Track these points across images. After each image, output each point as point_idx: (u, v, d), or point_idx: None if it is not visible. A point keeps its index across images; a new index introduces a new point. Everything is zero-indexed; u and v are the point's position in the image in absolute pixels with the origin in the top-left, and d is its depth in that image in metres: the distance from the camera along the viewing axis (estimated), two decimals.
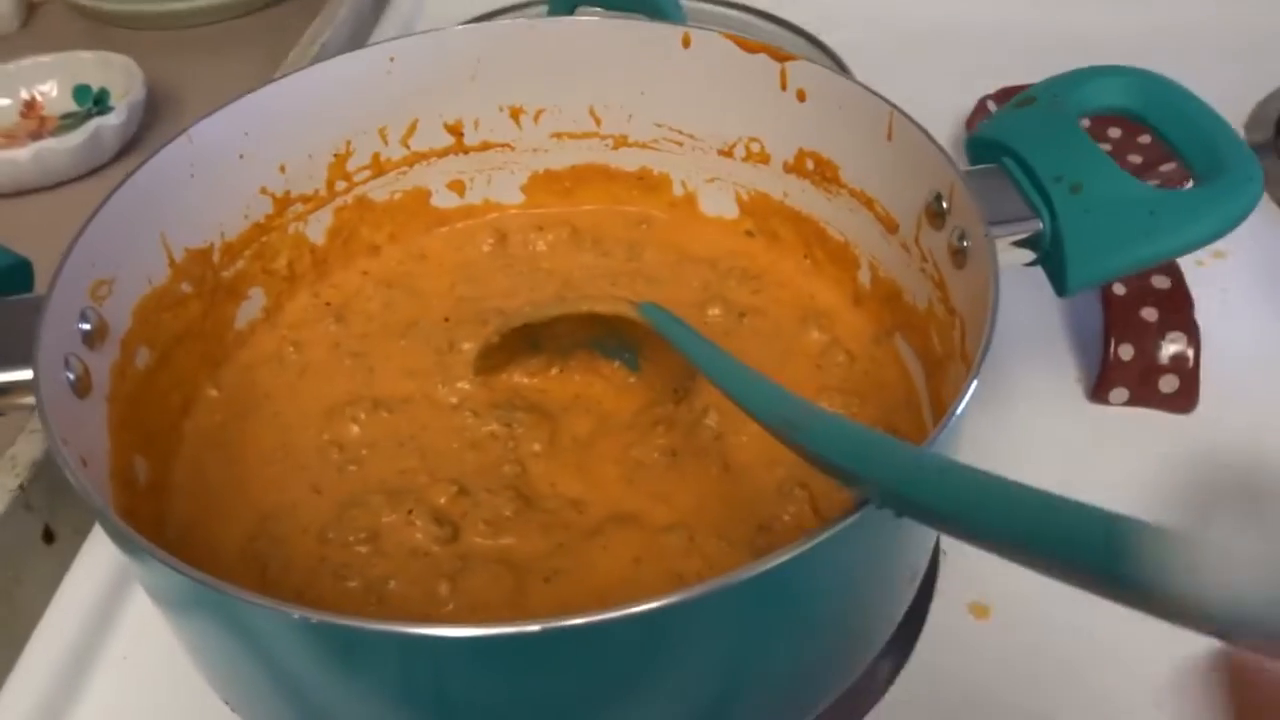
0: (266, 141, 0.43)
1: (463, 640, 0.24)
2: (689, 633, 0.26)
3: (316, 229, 0.47)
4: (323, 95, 0.44)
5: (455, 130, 0.48)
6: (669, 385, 0.40)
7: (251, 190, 0.44)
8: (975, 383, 0.29)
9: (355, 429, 0.40)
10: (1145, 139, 0.59)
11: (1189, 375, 0.47)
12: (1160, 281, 0.48)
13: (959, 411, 0.28)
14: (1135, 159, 0.58)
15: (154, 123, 0.71)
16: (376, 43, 0.45)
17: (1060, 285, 0.35)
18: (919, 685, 0.39)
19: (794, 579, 0.26)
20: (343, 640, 0.25)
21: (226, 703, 0.33)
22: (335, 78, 0.44)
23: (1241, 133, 0.64)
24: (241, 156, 0.42)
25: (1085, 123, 0.60)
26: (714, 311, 0.45)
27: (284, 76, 0.43)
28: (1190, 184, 0.57)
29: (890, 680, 0.39)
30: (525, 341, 0.40)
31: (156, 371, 0.40)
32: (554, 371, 0.41)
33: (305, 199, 0.46)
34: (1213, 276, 0.54)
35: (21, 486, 0.42)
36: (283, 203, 0.45)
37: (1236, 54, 0.69)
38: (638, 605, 0.24)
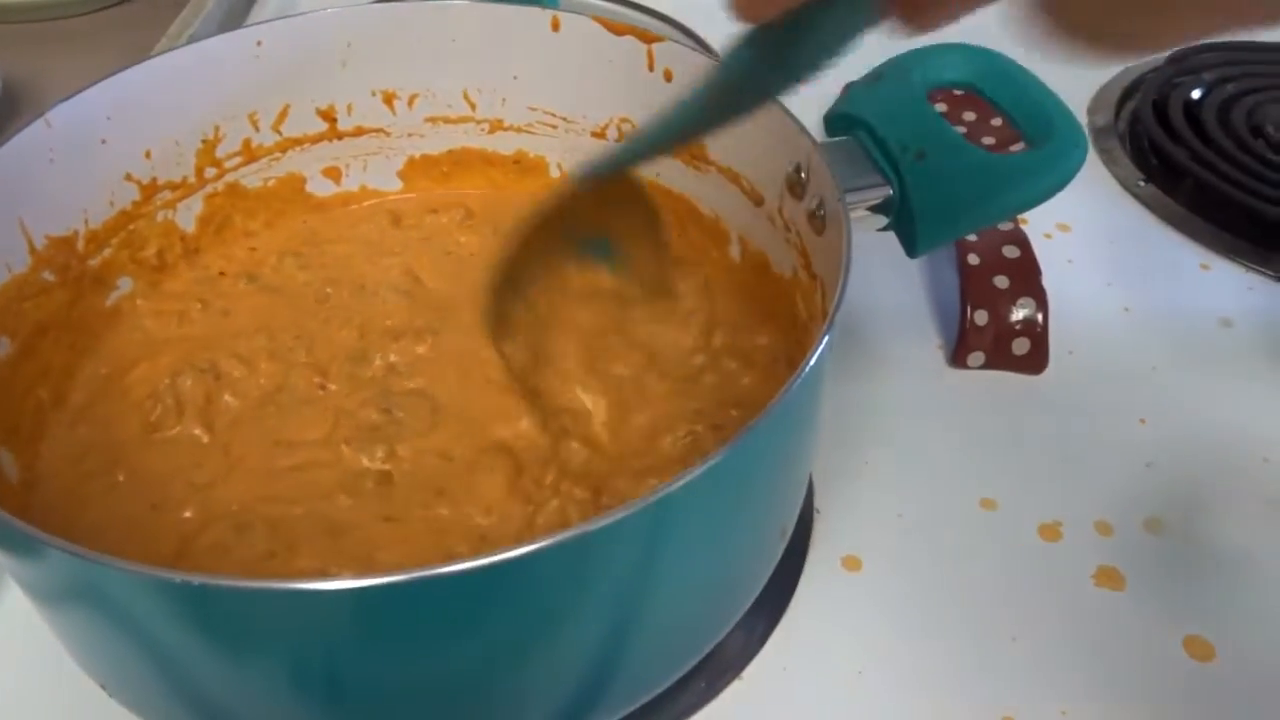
0: (130, 126, 0.42)
1: (348, 591, 0.24)
2: (548, 581, 0.27)
3: (187, 216, 0.46)
4: (188, 79, 0.43)
5: (328, 115, 0.48)
6: (651, 277, 0.39)
7: (116, 176, 0.43)
8: (829, 334, 0.30)
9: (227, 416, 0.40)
10: (997, 121, 0.63)
11: (1039, 338, 0.50)
12: (1011, 251, 0.51)
13: (813, 362, 0.30)
14: (989, 140, 0.62)
15: (10, 119, 0.68)
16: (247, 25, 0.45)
17: (910, 246, 0.38)
18: (796, 636, 0.40)
19: (655, 526, 0.27)
20: (230, 602, 0.25)
21: (103, 687, 0.32)
22: (201, 61, 0.44)
23: (1084, 116, 0.68)
24: (104, 141, 0.42)
25: (943, 107, 0.64)
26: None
27: (149, 59, 0.42)
28: None
29: (769, 633, 0.41)
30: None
31: (19, 363, 0.39)
32: None
33: (173, 186, 0.45)
34: (1059, 247, 0.58)
35: None
36: (150, 189, 0.44)
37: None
38: (491, 555, 0.24)
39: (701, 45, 0.64)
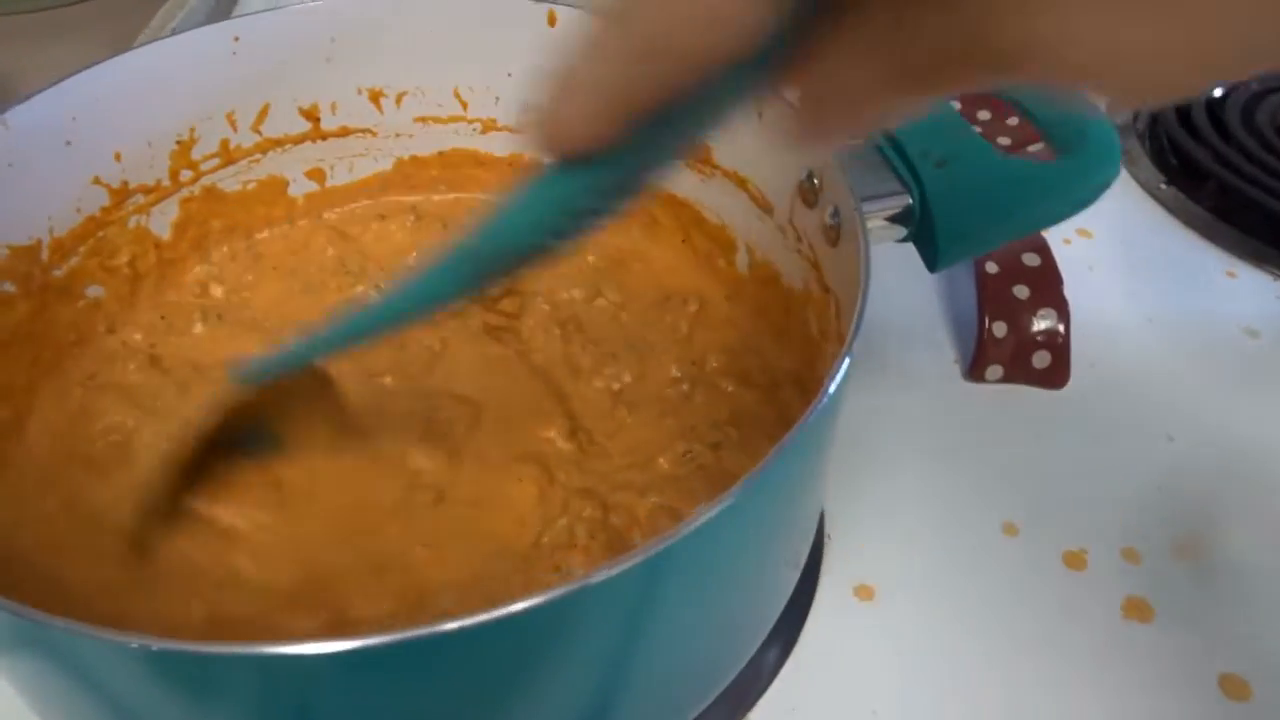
0: (98, 127, 0.40)
1: (311, 657, 0.22)
2: (564, 630, 0.25)
3: (161, 222, 0.44)
4: (161, 77, 0.41)
5: (311, 115, 0.45)
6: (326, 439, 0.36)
7: (83, 180, 0.40)
8: (848, 359, 0.28)
9: None
10: (1014, 121, 0.60)
11: (1060, 350, 0.47)
12: (1031, 259, 0.49)
13: (832, 390, 0.27)
14: (1005, 140, 0.59)
15: None
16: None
17: (931, 260, 0.35)
18: (807, 670, 0.38)
19: (671, 569, 0.25)
20: (191, 667, 0.23)
21: None
22: (174, 58, 0.41)
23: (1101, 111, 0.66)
24: (69, 143, 0.39)
25: (956, 105, 0.61)
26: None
27: (116, 56, 0.40)
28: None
29: (778, 667, 0.38)
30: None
31: None
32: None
33: (146, 190, 0.42)
34: (1079, 254, 0.55)
35: None
36: (120, 194, 0.42)
37: None
38: (509, 606, 0.22)
39: None
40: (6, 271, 0.37)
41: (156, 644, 0.22)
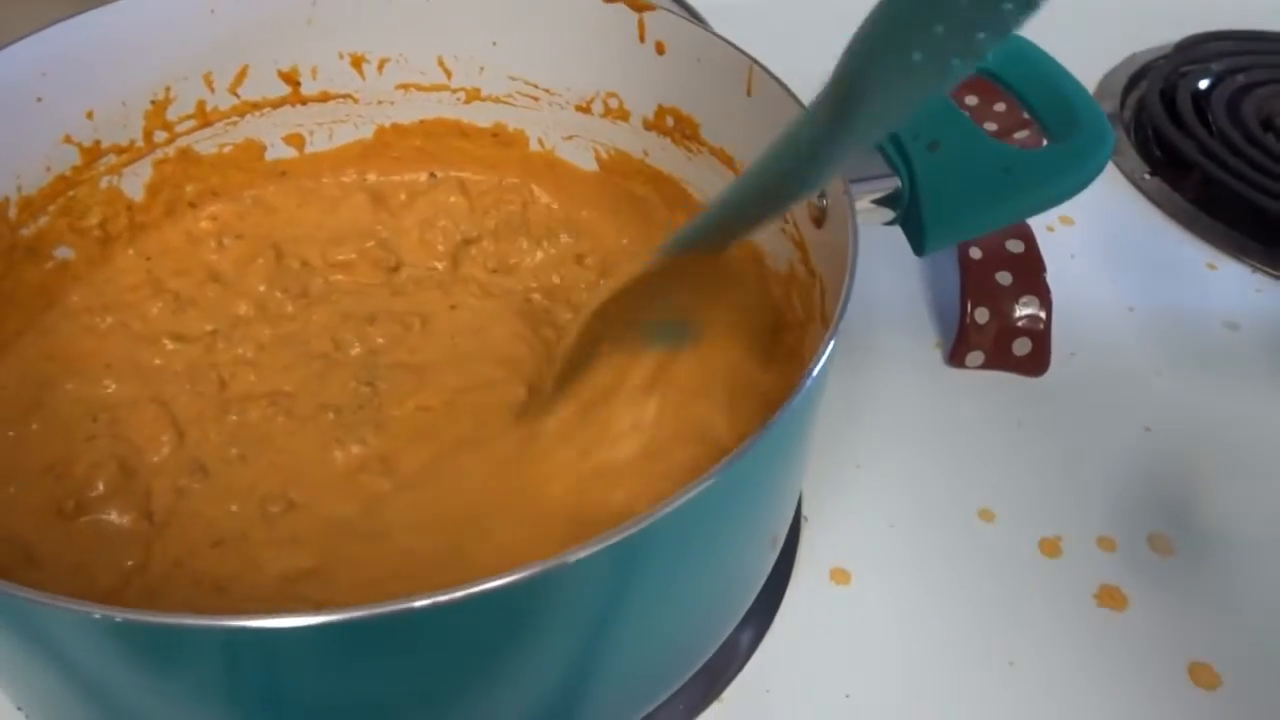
0: (70, 84, 0.38)
1: (291, 630, 0.22)
2: (540, 609, 0.24)
3: (134, 184, 0.42)
4: (136, 34, 0.40)
5: (291, 78, 0.44)
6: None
7: (53, 138, 0.39)
8: (833, 341, 0.28)
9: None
10: (1001, 106, 0.60)
11: (1041, 337, 0.47)
12: (1014, 246, 0.49)
13: (816, 371, 0.27)
14: (991, 126, 0.59)
15: None
16: None
17: (918, 244, 0.35)
18: (781, 652, 0.38)
19: (651, 545, 0.25)
20: (154, 639, 0.23)
21: (20, 709, 0.29)
22: (150, 14, 0.40)
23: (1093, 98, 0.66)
24: (40, 100, 0.38)
25: None
26: None
27: (89, 11, 0.38)
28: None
29: (752, 649, 0.38)
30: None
31: None
32: None
33: (119, 150, 0.41)
34: (1061, 242, 0.55)
35: None
36: (92, 153, 0.40)
37: (1084, 24, 0.70)
38: (486, 582, 0.22)
39: (693, 15, 0.61)
40: None
41: (120, 615, 0.22)
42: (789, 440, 0.29)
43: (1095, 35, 0.69)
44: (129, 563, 0.33)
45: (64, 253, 0.41)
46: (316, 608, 0.29)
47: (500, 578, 0.22)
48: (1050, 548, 0.42)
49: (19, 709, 0.29)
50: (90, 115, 0.40)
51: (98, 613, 0.22)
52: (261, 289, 0.42)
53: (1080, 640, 0.39)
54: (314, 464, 0.36)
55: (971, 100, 0.60)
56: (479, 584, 0.22)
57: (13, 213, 0.38)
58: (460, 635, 0.24)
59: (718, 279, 0.34)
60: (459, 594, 0.22)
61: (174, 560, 0.33)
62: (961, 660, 0.38)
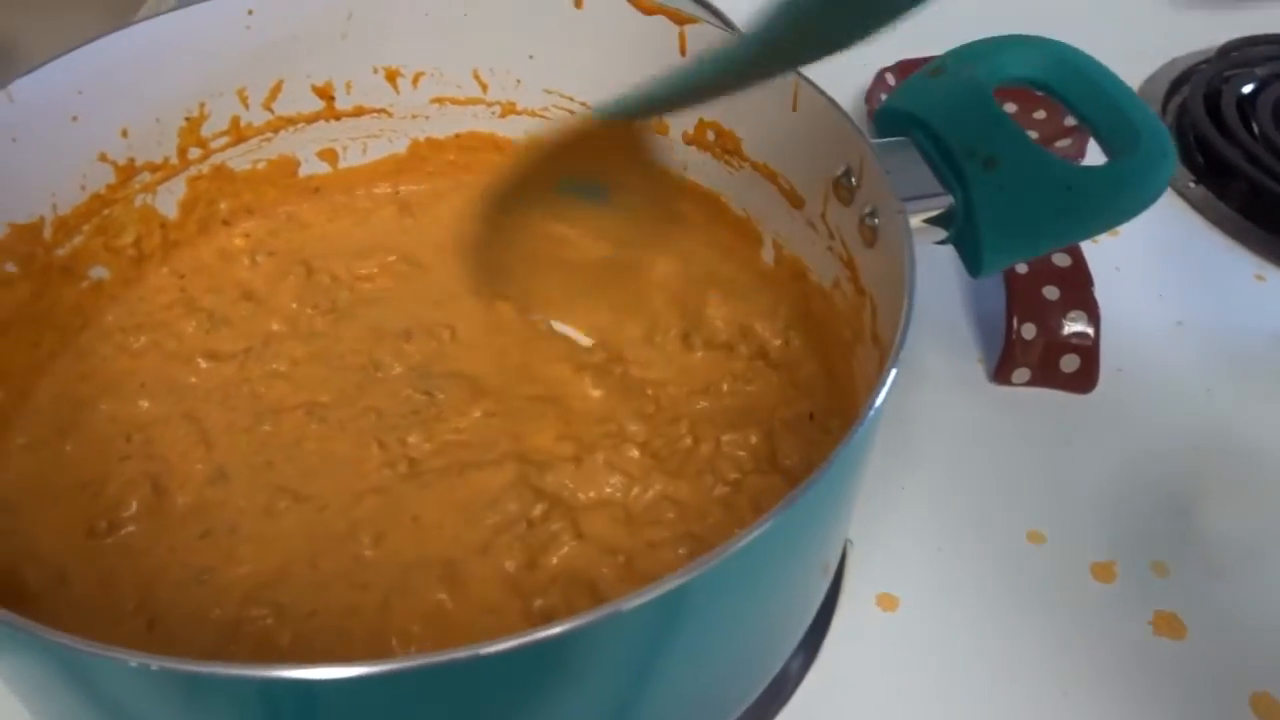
0: (105, 101, 0.38)
1: (327, 682, 0.21)
2: (596, 653, 0.24)
3: (168, 201, 0.42)
4: (171, 51, 0.39)
5: (325, 93, 0.44)
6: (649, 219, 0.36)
7: (88, 156, 0.39)
8: (895, 370, 0.27)
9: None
10: (1041, 114, 0.59)
11: (1089, 354, 0.46)
12: (1061, 259, 0.48)
13: (879, 402, 0.26)
14: (1032, 134, 0.57)
15: None
16: None
17: (974, 265, 0.34)
18: (830, 680, 0.37)
19: (706, 589, 0.24)
20: (190, 686, 0.22)
21: None
22: (185, 31, 0.39)
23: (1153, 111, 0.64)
24: (75, 119, 0.37)
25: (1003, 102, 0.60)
26: None
27: (124, 28, 0.38)
28: (1084, 160, 0.57)
29: (800, 677, 0.37)
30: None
31: None
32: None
33: (153, 167, 0.41)
34: (1106, 254, 0.54)
35: None
36: (126, 171, 0.40)
37: (1121, 30, 0.69)
38: (554, 627, 0.21)
39: (730, 28, 0.60)
40: (8, 250, 0.36)
41: (156, 663, 0.21)
42: (850, 470, 0.28)
43: (1135, 39, 0.67)
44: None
45: (99, 272, 0.40)
46: (279, 612, 0.29)
47: (559, 625, 0.21)
48: (1103, 572, 0.41)
49: None
50: (125, 133, 0.39)
51: (134, 660, 0.21)
52: (294, 306, 0.42)
53: (1136, 669, 0.38)
54: (342, 463, 0.36)
55: (1010, 108, 0.59)
56: (535, 632, 0.21)
57: (48, 233, 0.38)
58: (509, 682, 0.23)
59: (631, 143, 0.34)
60: (514, 643, 0.21)
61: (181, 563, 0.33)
62: (1013, 689, 0.37)
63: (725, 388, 0.38)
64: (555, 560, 0.33)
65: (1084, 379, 0.47)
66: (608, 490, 0.35)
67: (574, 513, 0.34)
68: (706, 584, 0.23)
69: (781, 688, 0.36)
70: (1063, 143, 0.57)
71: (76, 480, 0.35)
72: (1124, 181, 0.32)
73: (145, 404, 0.38)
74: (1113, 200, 0.32)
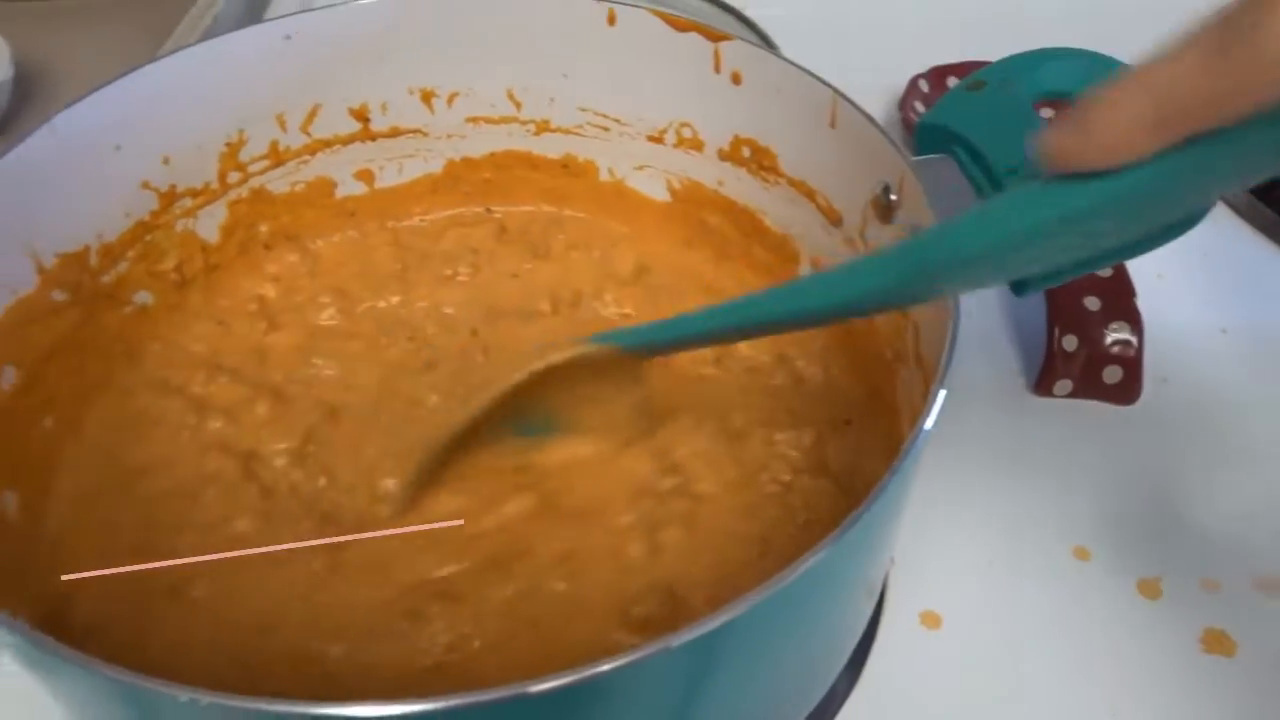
0: (146, 130, 0.38)
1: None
2: (641, 688, 0.24)
3: (209, 225, 0.42)
4: (211, 78, 0.40)
5: (361, 115, 0.44)
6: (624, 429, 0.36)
7: (131, 184, 0.39)
8: (944, 392, 0.26)
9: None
10: None
11: (1132, 365, 0.46)
12: (1102, 269, 0.47)
13: (929, 425, 0.26)
14: None
15: (24, 106, 0.64)
16: (274, 18, 0.41)
17: (1018, 285, 0.33)
18: (874, 698, 0.37)
19: (756, 625, 0.24)
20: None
21: None
22: (224, 58, 0.40)
23: None
24: (118, 148, 0.38)
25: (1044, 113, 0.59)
26: None
27: (164, 58, 0.38)
28: None
29: (845, 697, 0.37)
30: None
31: (25, 392, 0.35)
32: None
33: (194, 193, 0.41)
34: (1149, 262, 0.53)
35: None
36: (168, 198, 0.40)
37: (1157, 31, 0.68)
38: (598, 665, 0.21)
39: (762, 38, 0.60)
40: (55, 280, 0.36)
41: (206, 698, 0.21)
42: (900, 493, 0.28)
43: None
44: None
45: (143, 297, 0.41)
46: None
47: (608, 661, 0.21)
48: (1149, 589, 0.40)
49: None
50: (166, 160, 0.40)
51: (184, 695, 0.21)
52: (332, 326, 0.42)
53: (1186, 688, 0.37)
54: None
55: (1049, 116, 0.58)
56: (590, 667, 0.21)
57: (94, 260, 0.38)
58: (568, 714, 0.23)
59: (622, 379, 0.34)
60: (570, 679, 0.21)
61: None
62: (1059, 707, 0.37)
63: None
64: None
65: (1127, 390, 0.46)
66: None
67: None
68: (759, 615, 0.23)
69: (826, 708, 0.36)
70: None
71: (130, 545, 0.35)
72: None
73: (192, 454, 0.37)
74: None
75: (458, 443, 0.34)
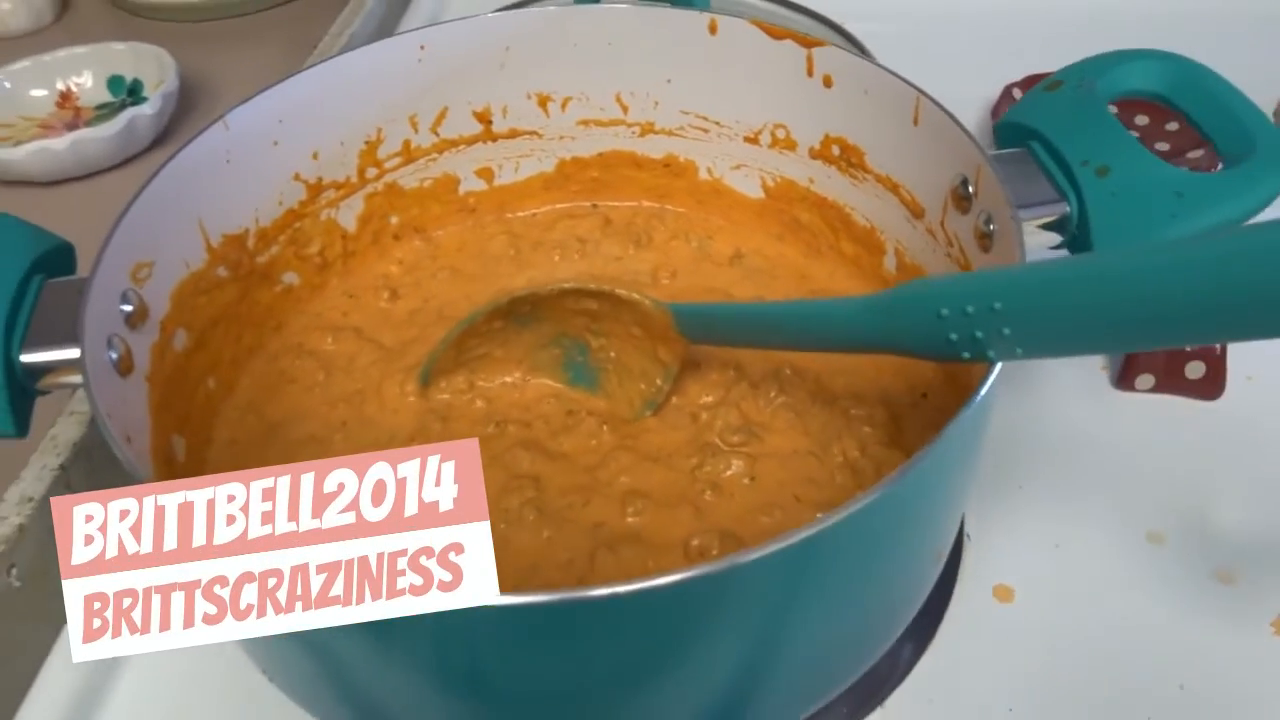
0: (300, 128, 0.44)
1: (481, 611, 0.24)
2: (721, 602, 0.27)
3: (348, 215, 0.48)
4: (355, 83, 0.45)
5: (484, 118, 0.49)
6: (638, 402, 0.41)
7: (285, 176, 0.44)
8: (999, 364, 0.29)
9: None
10: (1173, 125, 0.59)
11: (1216, 360, 0.47)
12: None
13: (984, 391, 0.28)
14: (1163, 146, 0.58)
15: (187, 113, 0.72)
16: (406, 31, 0.46)
17: None
18: (942, 667, 0.39)
19: (826, 550, 0.27)
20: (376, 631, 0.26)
21: (263, 672, 0.34)
22: (368, 65, 0.45)
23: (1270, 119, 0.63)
24: (276, 143, 0.43)
25: (1113, 109, 0.60)
26: None
27: (318, 64, 0.44)
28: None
29: (914, 662, 0.39)
30: (514, 321, 0.41)
31: (194, 354, 0.41)
32: (512, 377, 0.42)
33: (337, 185, 0.46)
34: None
35: (63, 466, 0.43)
36: (315, 189, 0.46)
37: (1262, 40, 0.68)
38: (664, 576, 0.24)
39: (860, 50, 0.62)
40: (220, 257, 0.42)
41: None
42: (954, 456, 0.30)
43: (1273, 52, 0.66)
44: None
45: (290, 278, 0.46)
46: None
47: (680, 572, 0.24)
48: (1223, 574, 0.41)
49: (263, 672, 0.34)
50: (315, 156, 0.45)
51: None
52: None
53: (1255, 667, 0.38)
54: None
55: (1142, 120, 0.60)
56: (657, 577, 0.24)
57: (251, 242, 0.43)
58: (631, 628, 0.27)
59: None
60: (640, 585, 0.24)
61: None
62: (1128, 681, 0.38)
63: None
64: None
65: (1210, 385, 0.47)
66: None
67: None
68: (815, 546, 0.25)
69: (894, 669, 0.39)
70: (1195, 154, 0.57)
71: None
72: (1235, 188, 0.33)
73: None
74: (1223, 205, 0.33)
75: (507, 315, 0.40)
